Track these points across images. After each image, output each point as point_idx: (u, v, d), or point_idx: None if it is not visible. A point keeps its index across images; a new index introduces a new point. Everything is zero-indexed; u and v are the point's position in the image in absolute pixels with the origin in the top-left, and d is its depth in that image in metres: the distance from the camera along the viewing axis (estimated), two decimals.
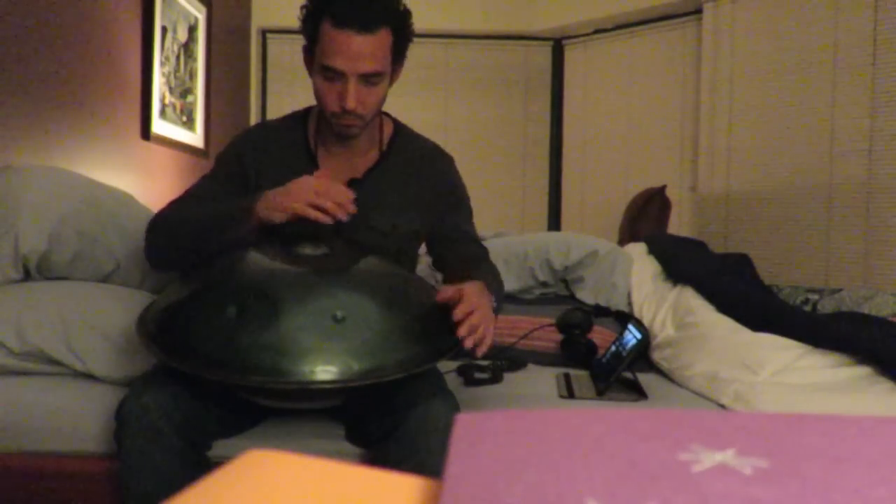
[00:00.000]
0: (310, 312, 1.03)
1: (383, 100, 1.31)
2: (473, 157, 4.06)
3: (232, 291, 1.07)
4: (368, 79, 1.23)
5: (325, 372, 0.99)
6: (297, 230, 1.18)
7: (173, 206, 1.33)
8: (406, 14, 1.28)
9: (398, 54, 1.29)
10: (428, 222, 1.41)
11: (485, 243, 2.19)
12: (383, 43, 1.23)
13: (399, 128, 1.44)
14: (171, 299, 1.16)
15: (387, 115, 1.44)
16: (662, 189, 3.12)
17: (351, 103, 1.22)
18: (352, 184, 1.36)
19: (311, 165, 1.36)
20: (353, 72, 1.21)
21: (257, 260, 1.15)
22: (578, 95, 4.05)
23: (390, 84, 1.32)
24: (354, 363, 1.00)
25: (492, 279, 1.31)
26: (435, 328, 1.11)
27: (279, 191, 1.17)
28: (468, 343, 1.07)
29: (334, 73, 1.22)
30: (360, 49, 1.20)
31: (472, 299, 1.10)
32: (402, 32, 1.27)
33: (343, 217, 1.15)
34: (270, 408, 1.24)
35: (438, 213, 1.41)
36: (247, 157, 1.37)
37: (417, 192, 1.39)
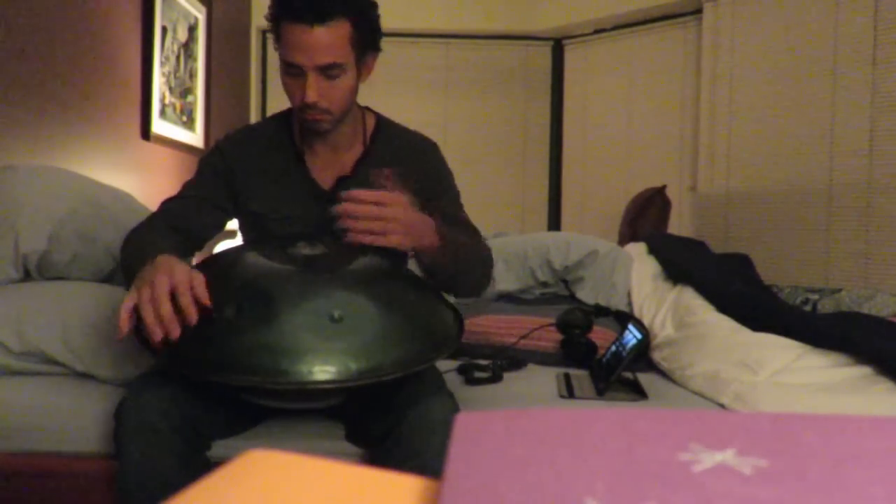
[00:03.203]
0: (307, 312, 1.03)
1: (352, 92, 1.30)
2: (473, 157, 4.06)
3: (229, 291, 1.07)
4: (327, 71, 1.23)
5: (323, 372, 0.98)
6: (293, 230, 1.17)
7: (142, 228, 1.29)
8: (367, 4, 1.27)
9: (363, 46, 1.27)
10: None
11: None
12: (340, 34, 1.21)
13: (381, 121, 1.44)
14: None
15: (369, 109, 1.44)
16: (662, 189, 3.12)
17: (311, 96, 1.23)
18: (341, 181, 1.37)
19: (298, 165, 1.38)
20: (309, 64, 1.21)
21: (254, 260, 1.15)
22: (578, 95, 4.05)
23: (362, 77, 1.31)
24: (352, 363, 1.00)
25: (463, 236, 1.30)
26: (433, 326, 1.11)
27: (149, 269, 1.03)
28: (341, 222, 1.10)
29: (294, 67, 1.23)
30: (314, 41, 1.20)
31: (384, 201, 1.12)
32: (363, 23, 1.25)
33: (173, 335, 0.98)
34: (270, 408, 1.24)
35: (426, 201, 1.41)
36: (233, 160, 1.37)
37: (404, 183, 1.39)
